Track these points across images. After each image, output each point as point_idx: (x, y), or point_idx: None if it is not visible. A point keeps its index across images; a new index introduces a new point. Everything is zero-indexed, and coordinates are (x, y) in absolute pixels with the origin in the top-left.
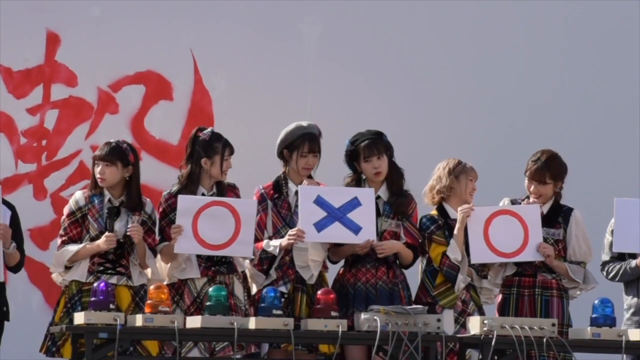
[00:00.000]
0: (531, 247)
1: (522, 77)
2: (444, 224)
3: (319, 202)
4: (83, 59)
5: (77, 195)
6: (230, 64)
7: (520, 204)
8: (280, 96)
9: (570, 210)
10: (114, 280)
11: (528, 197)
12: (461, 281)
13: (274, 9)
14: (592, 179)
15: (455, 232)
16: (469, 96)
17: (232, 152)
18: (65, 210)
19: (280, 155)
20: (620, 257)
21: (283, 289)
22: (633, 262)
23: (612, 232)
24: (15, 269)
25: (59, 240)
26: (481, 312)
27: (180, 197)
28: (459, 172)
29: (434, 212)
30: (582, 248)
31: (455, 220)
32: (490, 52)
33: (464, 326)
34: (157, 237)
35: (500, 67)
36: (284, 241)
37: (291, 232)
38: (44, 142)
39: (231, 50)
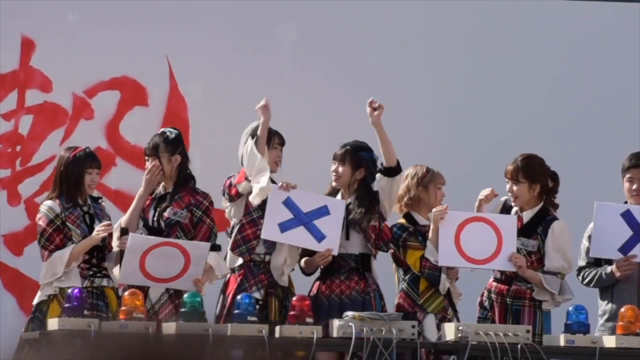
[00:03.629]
0: (503, 256)
1: (508, 85)
2: (414, 231)
3: (288, 203)
4: (58, 64)
5: (49, 204)
6: (206, 70)
7: (511, 205)
8: (256, 103)
9: (552, 220)
10: (104, 282)
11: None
12: (445, 280)
13: (250, 16)
14: (583, 187)
15: (430, 234)
16: (450, 103)
17: (147, 153)
18: (42, 220)
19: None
20: (597, 263)
21: (257, 295)
22: (609, 268)
23: (589, 237)
24: None
25: (44, 252)
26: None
27: (131, 235)
28: (428, 181)
29: (402, 220)
30: (558, 261)
31: (424, 226)
32: (475, 59)
33: None
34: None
35: (485, 74)
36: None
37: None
38: (18, 148)
39: (207, 57)
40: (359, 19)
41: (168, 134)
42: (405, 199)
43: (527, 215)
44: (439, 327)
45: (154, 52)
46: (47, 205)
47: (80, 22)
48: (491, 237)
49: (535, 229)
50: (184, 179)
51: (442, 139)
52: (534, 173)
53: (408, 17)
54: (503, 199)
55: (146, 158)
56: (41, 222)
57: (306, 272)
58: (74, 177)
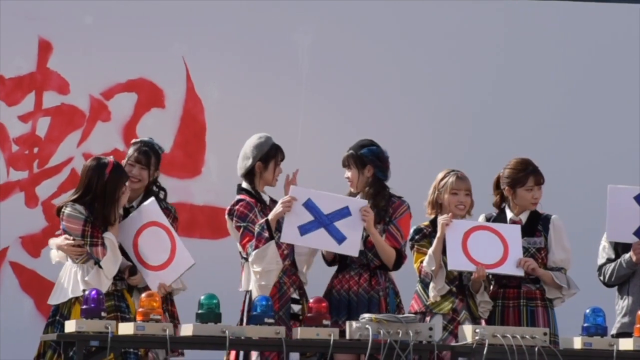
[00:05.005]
0: (511, 261)
1: (508, 87)
2: (430, 233)
3: (309, 205)
4: (75, 66)
5: (75, 206)
6: (222, 72)
7: (494, 219)
8: (273, 104)
9: (548, 217)
10: (124, 285)
11: (502, 211)
12: (433, 289)
13: (267, 17)
14: (579, 184)
15: (434, 242)
16: (463, 103)
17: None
18: (75, 223)
19: (250, 172)
20: (615, 260)
21: (295, 295)
22: (627, 255)
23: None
24: None
25: (96, 249)
26: (475, 322)
27: (152, 200)
28: (442, 187)
29: (425, 222)
30: (561, 255)
31: None
32: (485, 59)
33: (452, 334)
34: None
35: (497, 75)
36: (276, 209)
37: (282, 199)
38: (35, 150)
39: (224, 59)
40: (376, 21)
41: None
42: (427, 202)
43: (523, 217)
44: (445, 328)
45: (170, 54)
46: (74, 208)
47: (97, 24)
48: (497, 244)
49: (535, 226)
50: (148, 195)
51: (456, 136)
52: None
53: (422, 21)
54: (482, 216)
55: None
56: (74, 224)
57: (328, 260)
58: (111, 194)
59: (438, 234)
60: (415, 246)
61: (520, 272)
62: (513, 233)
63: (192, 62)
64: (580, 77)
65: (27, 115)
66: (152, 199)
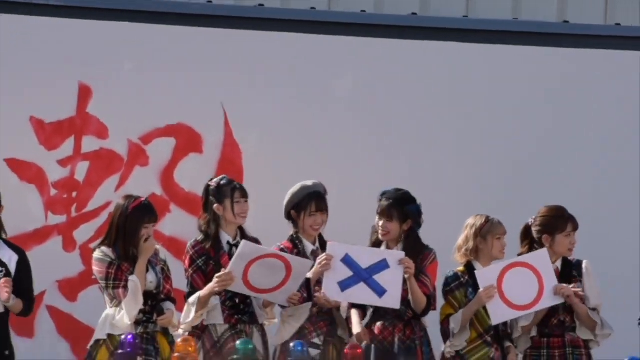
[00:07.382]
0: (548, 292)
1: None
2: (466, 282)
3: (347, 261)
4: (114, 111)
5: (104, 250)
6: (261, 118)
7: None
8: (310, 152)
9: (580, 262)
10: (157, 328)
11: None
12: (451, 345)
13: (305, 65)
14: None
15: (468, 308)
16: (495, 154)
17: (243, 194)
18: (100, 266)
19: (289, 216)
20: None
21: (317, 340)
22: None
23: None
24: (23, 314)
25: (118, 292)
26: None
27: (244, 242)
28: (486, 232)
29: (461, 268)
30: (597, 300)
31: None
32: (517, 103)
33: None
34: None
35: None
36: (315, 269)
37: (319, 258)
38: (74, 194)
39: (262, 104)
40: (413, 69)
41: None
42: (463, 249)
43: (558, 264)
44: None
45: (209, 99)
46: (101, 251)
47: (136, 70)
48: (531, 278)
49: (570, 273)
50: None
51: (487, 185)
52: None
53: (460, 72)
54: None
55: (241, 201)
56: (99, 267)
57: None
58: (130, 230)
59: (476, 303)
60: (449, 296)
61: (559, 300)
62: (542, 260)
63: (231, 107)
64: (582, 122)
65: (66, 159)
66: (244, 241)
